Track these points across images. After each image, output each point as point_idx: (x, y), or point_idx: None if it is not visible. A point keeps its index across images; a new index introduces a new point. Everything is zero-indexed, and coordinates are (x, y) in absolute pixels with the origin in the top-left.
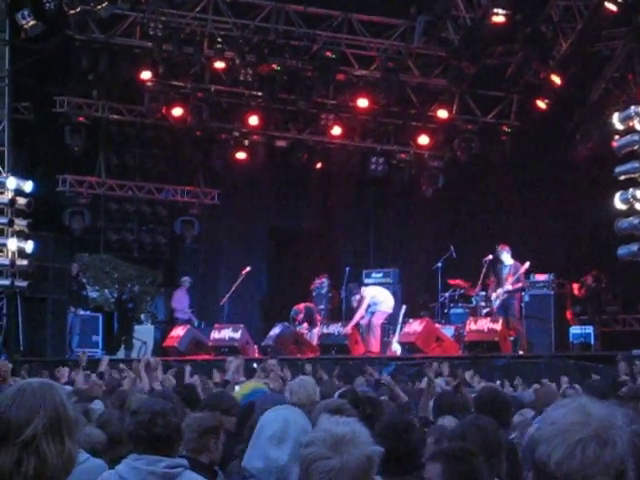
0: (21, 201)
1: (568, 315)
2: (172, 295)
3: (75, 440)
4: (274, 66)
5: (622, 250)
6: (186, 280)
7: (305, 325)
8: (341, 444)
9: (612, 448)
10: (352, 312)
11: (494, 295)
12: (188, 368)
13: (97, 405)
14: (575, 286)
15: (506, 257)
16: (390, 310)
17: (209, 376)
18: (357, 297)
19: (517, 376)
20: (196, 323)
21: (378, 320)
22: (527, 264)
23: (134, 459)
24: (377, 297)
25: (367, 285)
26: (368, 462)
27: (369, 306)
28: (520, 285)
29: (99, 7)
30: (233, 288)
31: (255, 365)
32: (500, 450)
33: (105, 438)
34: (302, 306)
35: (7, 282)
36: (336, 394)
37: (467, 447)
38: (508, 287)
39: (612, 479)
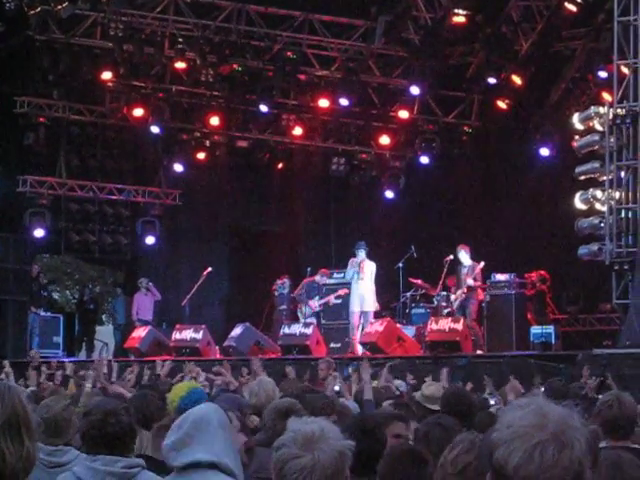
0: None
1: (529, 315)
2: (133, 301)
3: (34, 440)
4: (235, 66)
5: (582, 250)
6: (142, 281)
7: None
8: (311, 442)
9: (570, 450)
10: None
11: (453, 297)
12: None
13: None
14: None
15: (464, 257)
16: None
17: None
18: (364, 258)
19: (482, 376)
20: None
21: (371, 318)
22: (482, 264)
23: (91, 460)
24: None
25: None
26: (340, 457)
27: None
28: (478, 284)
29: (59, 7)
30: (194, 289)
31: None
32: None
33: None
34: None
35: None
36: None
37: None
38: (469, 282)
39: None
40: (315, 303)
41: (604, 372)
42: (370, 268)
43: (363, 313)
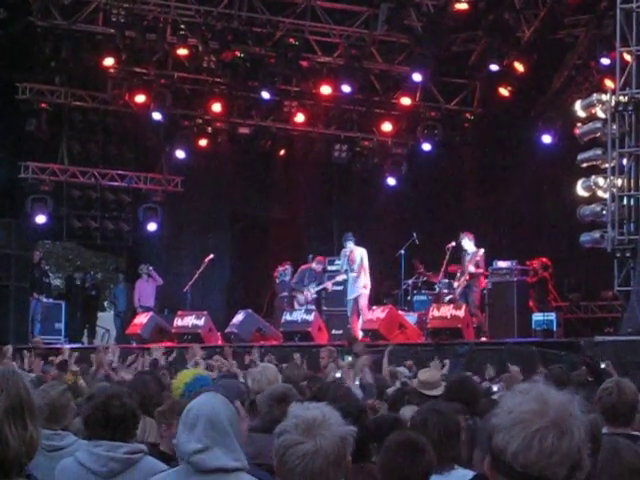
0: None
1: (530, 302)
2: (134, 288)
3: (38, 425)
4: (237, 53)
5: (584, 237)
6: (142, 268)
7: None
8: (313, 428)
9: (569, 438)
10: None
11: (456, 283)
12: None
13: None
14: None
15: (468, 244)
16: (368, 291)
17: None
18: (352, 248)
19: (484, 363)
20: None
21: (364, 302)
22: (481, 251)
23: (93, 445)
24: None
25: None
26: (342, 443)
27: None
28: (480, 271)
29: None
30: (196, 275)
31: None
32: (459, 436)
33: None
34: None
35: None
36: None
37: (419, 439)
38: (470, 269)
39: (568, 469)
40: (311, 290)
41: (585, 357)
42: (360, 255)
43: (355, 300)
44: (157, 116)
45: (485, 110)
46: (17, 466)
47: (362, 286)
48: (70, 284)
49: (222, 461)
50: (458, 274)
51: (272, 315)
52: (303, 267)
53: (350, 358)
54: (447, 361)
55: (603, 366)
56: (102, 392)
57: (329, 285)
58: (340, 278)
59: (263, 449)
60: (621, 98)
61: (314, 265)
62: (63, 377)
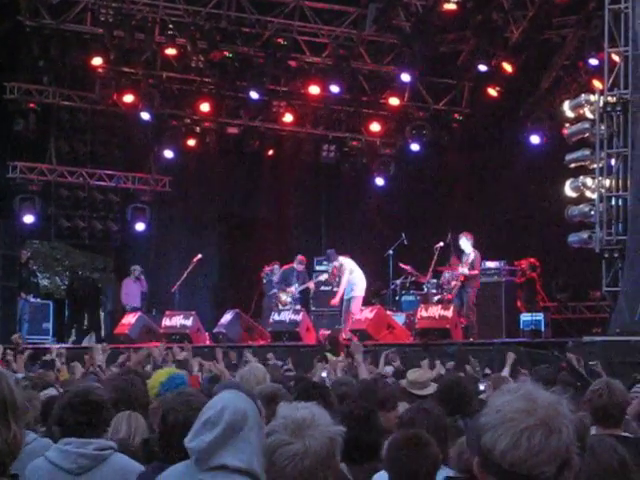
0: None
1: (518, 302)
2: (121, 286)
3: (22, 425)
4: (225, 53)
5: (572, 237)
6: (135, 269)
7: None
8: (302, 428)
9: (558, 437)
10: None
11: (453, 282)
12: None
13: (51, 392)
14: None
15: (465, 244)
16: (363, 293)
17: None
18: (335, 264)
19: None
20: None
21: (357, 307)
22: (474, 252)
23: (63, 443)
24: (354, 276)
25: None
26: (331, 443)
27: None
28: (474, 273)
29: None
30: (184, 275)
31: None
32: (446, 435)
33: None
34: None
35: None
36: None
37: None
38: (464, 271)
39: (557, 468)
40: (294, 291)
41: (561, 364)
42: (342, 266)
43: (348, 301)
44: (145, 116)
45: (473, 110)
46: (1, 466)
47: (351, 290)
48: (73, 283)
49: (223, 459)
50: (446, 274)
51: (260, 315)
52: (285, 267)
53: (340, 358)
54: (438, 362)
55: (592, 364)
56: (77, 387)
57: (311, 285)
58: (322, 277)
59: None
60: (609, 99)
61: (295, 265)
62: (50, 375)
